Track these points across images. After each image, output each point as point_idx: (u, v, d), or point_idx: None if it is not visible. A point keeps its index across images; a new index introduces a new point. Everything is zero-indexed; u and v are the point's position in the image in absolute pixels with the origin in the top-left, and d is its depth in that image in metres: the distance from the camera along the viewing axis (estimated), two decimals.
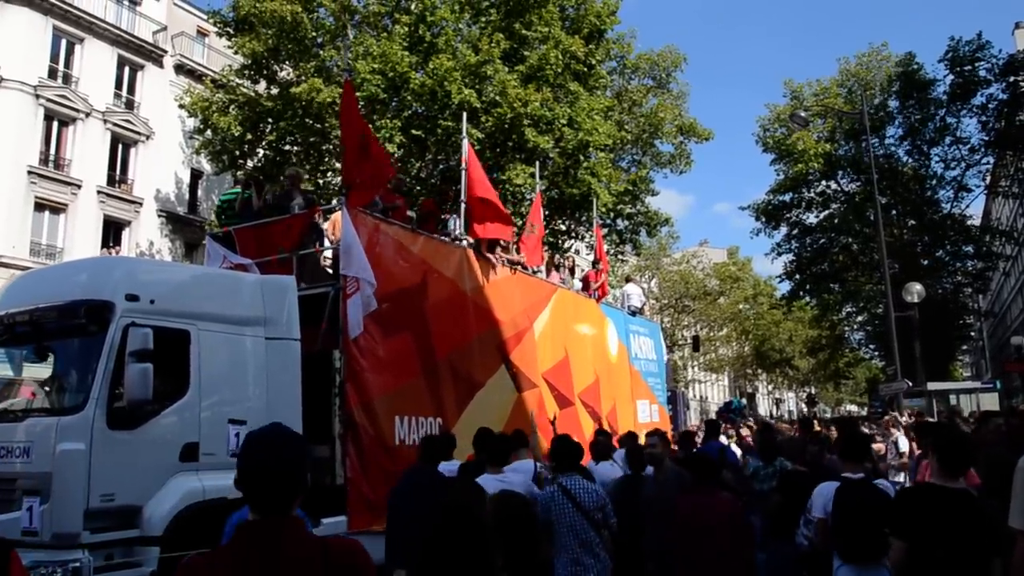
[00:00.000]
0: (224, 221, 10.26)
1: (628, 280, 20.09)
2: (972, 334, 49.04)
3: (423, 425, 8.75)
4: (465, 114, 13.24)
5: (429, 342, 9.28)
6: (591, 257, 17.68)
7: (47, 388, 7.03)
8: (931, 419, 18.62)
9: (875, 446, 12.15)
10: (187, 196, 30.18)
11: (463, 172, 11.33)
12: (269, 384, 7.23)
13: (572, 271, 15.34)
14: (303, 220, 9.19)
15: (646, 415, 15.97)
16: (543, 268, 13.94)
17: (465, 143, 11.63)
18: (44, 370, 7.19)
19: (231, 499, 6.43)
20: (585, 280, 15.68)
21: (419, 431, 8.62)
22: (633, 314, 17.23)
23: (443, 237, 10.72)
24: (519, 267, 12.09)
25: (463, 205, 11.12)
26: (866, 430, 13.51)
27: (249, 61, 22.55)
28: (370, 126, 11.69)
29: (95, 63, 27.03)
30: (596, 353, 14.34)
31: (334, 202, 12.12)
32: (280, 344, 7.46)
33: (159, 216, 28.70)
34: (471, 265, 10.64)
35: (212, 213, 24.05)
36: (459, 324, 10.03)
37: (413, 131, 19.92)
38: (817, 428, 16.60)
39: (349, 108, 9.28)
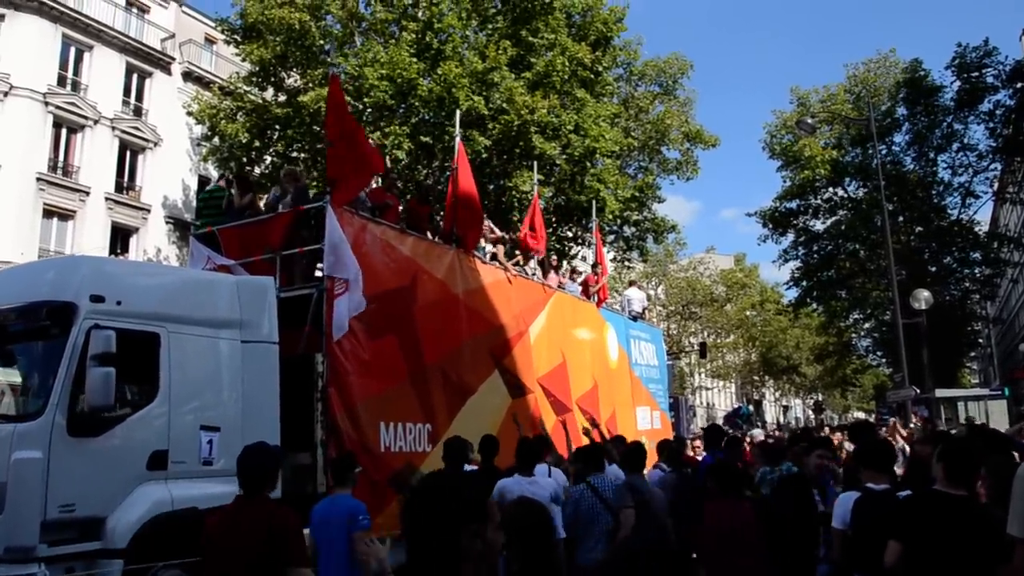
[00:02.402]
0: (206, 220, 9.93)
1: (631, 284, 19.99)
2: (980, 341, 48.68)
3: (410, 431, 8.57)
4: (459, 113, 13.07)
5: (417, 345, 9.07)
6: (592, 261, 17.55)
7: (11, 393, 6.74)
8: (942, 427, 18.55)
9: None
10: (194, 203, 30.25)
11: (454, 172, 11.18)
12: (245, 389, 6.98)
13: (555, 267, 14.86)
14: (288, 219, 8.85)
15: (647, 422, 15.83)
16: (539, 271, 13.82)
17: (458, 142, 11.50)
18: (13, 374, 6.90)
19: (202, 509, 6.22)
20: (584, 284, 15.57)
21: (406, 437, 8.46)
22: (634, 319, 17.10)
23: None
24: (514, 270, 12.01)
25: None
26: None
27: (257, 68, 22.67)
28: (355, 121, 11.34)
29: (104, 70, 27.22)
30: (595, 358, 14.19)
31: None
32: (258, 347, 7.21)
33: (167, 223, 28.83)
34: (463, 266, 10.43)
35: None
36: (450, 327, 9.83)
37: (421, 137, 19.98)
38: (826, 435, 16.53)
39: (335, 104, 9.04)
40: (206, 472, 6.53)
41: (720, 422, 34.75)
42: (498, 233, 12.39)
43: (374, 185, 10.69)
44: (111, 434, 6.03)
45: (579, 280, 15.88)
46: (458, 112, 13.11)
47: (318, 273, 8.65)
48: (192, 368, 6.68)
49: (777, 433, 21.30)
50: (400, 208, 11.06)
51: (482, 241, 11.74)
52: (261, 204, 9.97)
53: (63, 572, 5.64)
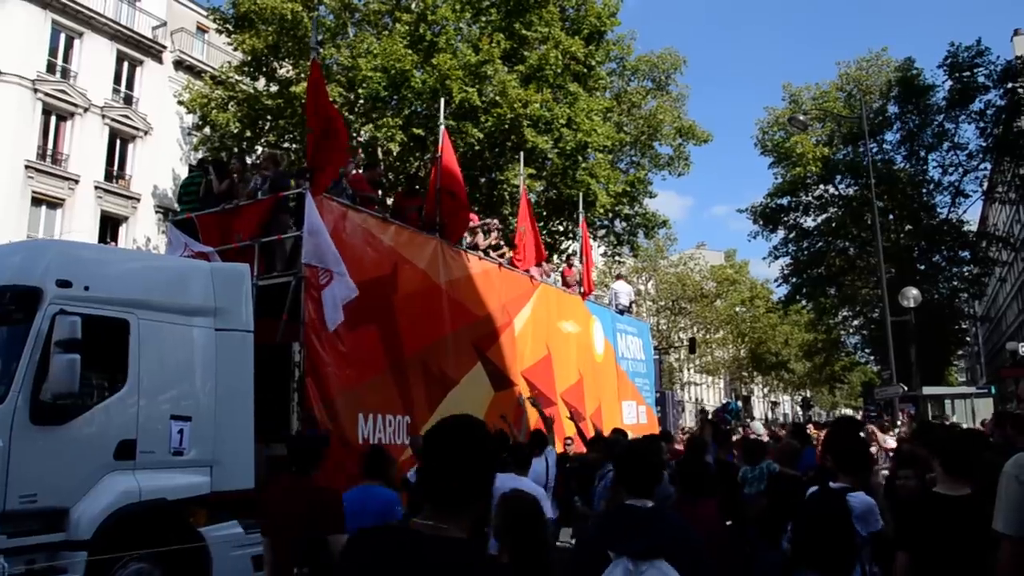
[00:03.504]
0: (185, 207, 9.79)
1: (618, 278, 19.96)
2: (967, 339, 48.99)
3: (390, 423, 8.51)
4: (443, 100, 12.97)
5: (398, 336, 8.99)
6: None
7: None
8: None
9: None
10: None
11: (438, 160, 11.06)
12: (219, 378, 6.85)
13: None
14: (266, 206, 8.70)
15: (632, 416, 15.81)
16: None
17: (443, 130, 11.40)
18: None
19: (171, 500, 6.23)
20: (562, 276, 15.49)
21: (386, 429, 8.41)
22: (621, 312, 17.07)
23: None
24: (499, 260, 11.95)
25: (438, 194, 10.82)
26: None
27: (249, 58, 22.55)
28: (335, 108, 11.04)
29: (94, 58, 27.00)
30: (581, 352, 14.14)
31: None
32: (232, 336, 7.07)
33: (157, 212, 28.67)
34: (447, 256, 10.33)
35: None
36: (432, 318, 9.75)
37: (414, 130, 19.93)
38: (813, 432, 16.58)
39: (316, 89, 8.89)
40: (177, 462, 6.44)
41: (709, 418, 34.74)
42: (478, 222, 12.28)
43: (356, 172, 10.59)
44: (76, 422, 5.85)
45: (556, 272, 15.77)
46: (442, 100, 13.01)
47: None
48: (163, 356, 6.54)
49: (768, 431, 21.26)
50: (389, 202, 10.97)
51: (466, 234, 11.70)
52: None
53: (24, 564, 5.46)
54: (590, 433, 10.74)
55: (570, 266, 15.69)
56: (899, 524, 3.81)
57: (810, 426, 23.05)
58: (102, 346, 6.07)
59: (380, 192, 17.66)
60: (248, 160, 13.76)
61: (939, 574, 3.46)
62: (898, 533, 3.76)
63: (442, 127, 11.53)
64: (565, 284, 15.11)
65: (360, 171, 10.93)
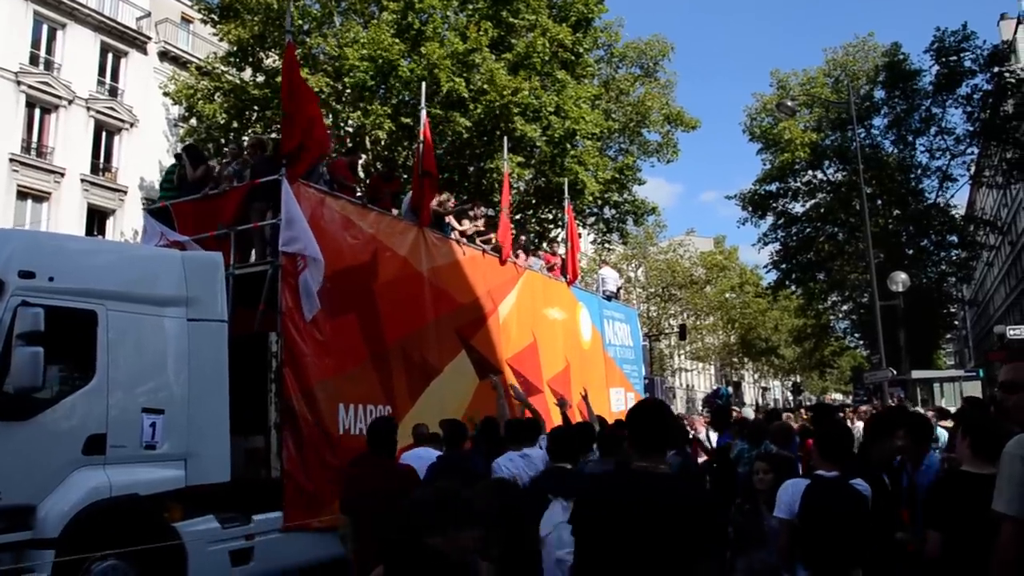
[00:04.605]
0: (163, 195, 9.59)
1: (604, 263, 19.89)
2: (956, 323, 49.30)
3: (371, 414, 8.32)
4: (424, 85, 12.81)
5: (378, 324, 8.85)
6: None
7: None
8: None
9: None
10: None
11: (420, 145, 10.89)
12: (192, 369, 6.70)
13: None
14: (242, 193, 8.50)
15: (621, 403, 15.71)
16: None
17: (423, 116, 11.26)
18: None
19: (143, 495, 6.11)
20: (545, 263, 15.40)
21: (366, 420, 8.20)
22: (608, 299, 17.01)
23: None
24: (485, 248, 11.85)
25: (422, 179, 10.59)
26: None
27: (234, 48, 22.38)
28: (312, 92, 10.74)
29: (78, 49, 26.78)
30: (567, 338, 14.02)
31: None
32: (205, 326, 6.91)
33: (144, 204, 28.50)
34: (428, 243, 10.18)
35: None
36: (414, 306, 9.61)
37: (402, 118, 19.86)
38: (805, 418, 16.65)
39: (290, 72, 8.67)
40: (149, 456, 6.32)
41: (699, 404, 34.97)
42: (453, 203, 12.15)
43: (337, 158, 10.46)
44: (41, 417, 5.71)
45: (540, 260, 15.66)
46: (423, 85, 12.87)
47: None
48: (133, 348, 6.38)
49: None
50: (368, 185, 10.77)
51: (452, 220, 11.60)
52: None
53: None
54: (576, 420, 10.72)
55: (553, 253, 15.57)
56: (929, 504, 3.81)
57: (801, 411, 23.23)
58: (69, 338, 5.93)
59: (367, 180, 17.60)
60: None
61: (971, 552, 3.43)
62: (928, 513, 3.76)
63: (423, 113, 11.38)
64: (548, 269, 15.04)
65: (338, 157, 10.79)
